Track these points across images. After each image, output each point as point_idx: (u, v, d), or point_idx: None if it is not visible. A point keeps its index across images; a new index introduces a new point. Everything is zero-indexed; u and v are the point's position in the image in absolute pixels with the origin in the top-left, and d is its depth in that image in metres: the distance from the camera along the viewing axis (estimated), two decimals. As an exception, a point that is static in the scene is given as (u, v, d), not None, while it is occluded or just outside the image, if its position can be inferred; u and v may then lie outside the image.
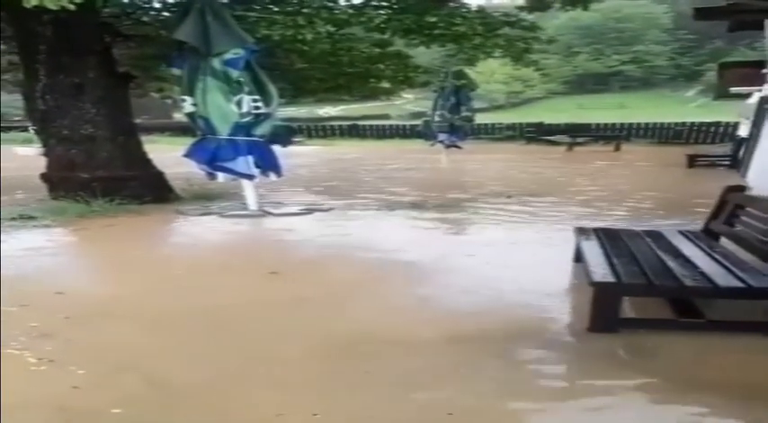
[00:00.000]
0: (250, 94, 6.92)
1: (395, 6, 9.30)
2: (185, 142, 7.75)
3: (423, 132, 18.02)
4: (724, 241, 4.26)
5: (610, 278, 3.18)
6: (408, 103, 45.86)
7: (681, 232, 4.45)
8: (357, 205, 8.23)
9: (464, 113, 16.13)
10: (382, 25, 9.02)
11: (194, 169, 7.62)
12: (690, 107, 44.08)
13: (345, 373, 2.72)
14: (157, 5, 10.11)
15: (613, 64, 60.05)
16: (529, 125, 27.83)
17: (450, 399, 2.45)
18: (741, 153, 12.99)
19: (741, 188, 4.71)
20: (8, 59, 10.32)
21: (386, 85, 13.06)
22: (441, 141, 15.66)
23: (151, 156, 8.92)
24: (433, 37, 9.38)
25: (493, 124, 29.29)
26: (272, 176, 7.41)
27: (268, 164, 7.30)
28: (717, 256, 3.63)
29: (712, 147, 20.70)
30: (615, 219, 6.92)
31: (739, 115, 16.89)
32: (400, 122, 33.76)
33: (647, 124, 26.45)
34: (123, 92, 8.72)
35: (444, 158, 15.11)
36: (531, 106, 53.43)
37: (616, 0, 54.82)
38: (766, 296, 3.13)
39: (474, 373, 2.70)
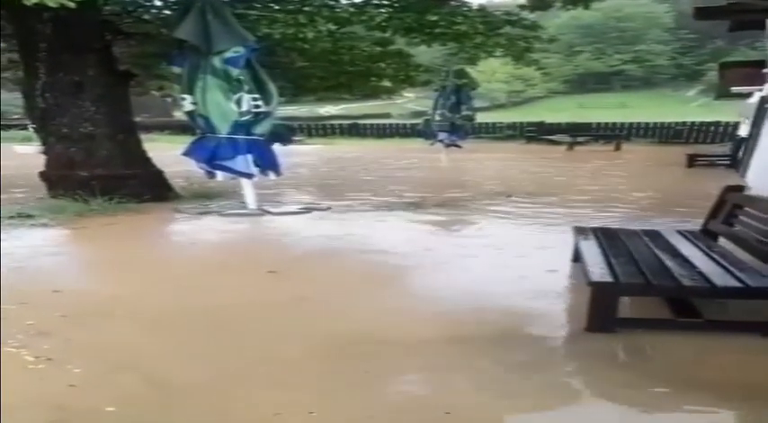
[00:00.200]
0: (250, 92, 6.92)
1: (396, 5, 9.28)
2: (185, 141, 7.75)
3: (423, 131, 18.03)
4: (722, 241, 4.25)
5: (608, 278, 3.18)
6: (409, 102, 45.80)
7: (679, 232, 4.44)
8: (356, 204, 8.23)
9: (465, 112, 16.14)
10: (383, 24, 9.03)
11: (194, 168, 7.61)
12: (691, 107, 44.13)
13: (344, 372, 2.72)
14: (158, 3, 10.10)
15: (614, 63, 60.05)
16: (529, 124, 27.86)
17: (448, 398, 2.45)
18: (740, 153, 12.99)
19: (740, 188, 4.71)
20: (8, 57, 10.31)
21: (387, 83, 13.05)
22: (440, 141, 15.67)
23: (151, 154, 8.92)
24: (434, 36, 9.38)
25: (494, 123, 29.34)
26: (272, 175, 7.41)
27: (267, 163, 7.31)
28: (715, 256, 3.63)
29: (712, 146, 20.72)
30: (614, 218, 6.92)
31: (740, 115, 16.89)
32: (401, 121, 33.78)
33: (647, 124, 26.50)
34: (123, 90, 8.73)
35: (444, 158, 15.10)
36: (532, 105, 53.41)
37: (617, -1, 54.91)
38: (764, 296, 3.12)
39: (472, 373, 2.70)
